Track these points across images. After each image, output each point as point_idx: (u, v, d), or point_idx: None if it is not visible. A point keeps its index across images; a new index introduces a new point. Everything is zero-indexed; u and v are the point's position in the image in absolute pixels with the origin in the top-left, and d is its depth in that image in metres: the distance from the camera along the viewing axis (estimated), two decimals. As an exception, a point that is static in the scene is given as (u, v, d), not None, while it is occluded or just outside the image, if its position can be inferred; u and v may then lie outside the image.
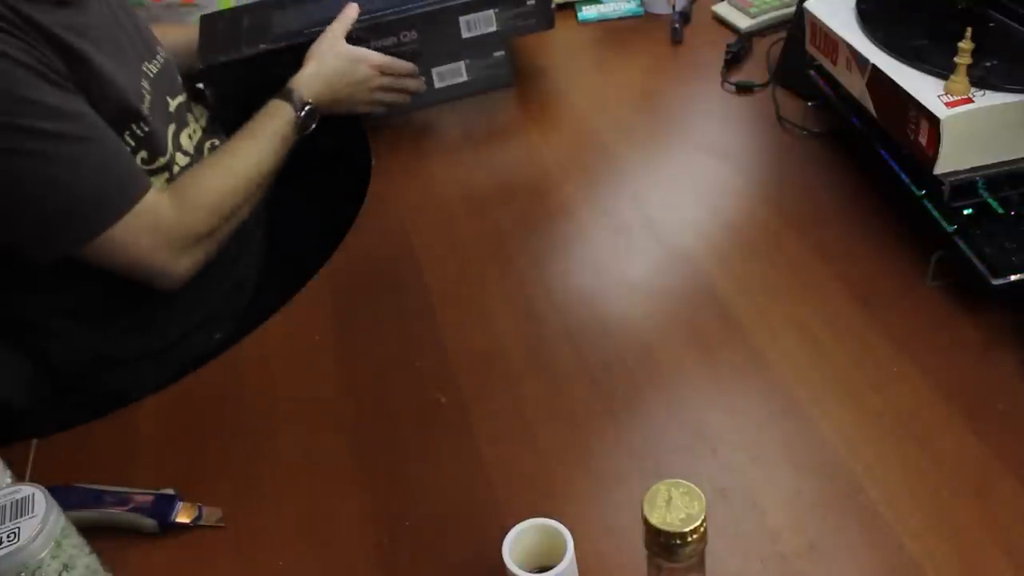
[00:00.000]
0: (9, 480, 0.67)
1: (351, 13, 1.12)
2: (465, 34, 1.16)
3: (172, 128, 1.01)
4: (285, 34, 1.14)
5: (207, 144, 1.09)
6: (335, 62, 1.09)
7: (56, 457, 0.81)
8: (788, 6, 1.28)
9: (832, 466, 0.70)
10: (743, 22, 1.29)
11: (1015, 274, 0.76)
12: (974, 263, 0.78)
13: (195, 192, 0.96)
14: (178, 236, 0.92)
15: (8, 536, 0.55)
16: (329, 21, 1.12)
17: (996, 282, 0.76)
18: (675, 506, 0.45)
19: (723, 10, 1.34)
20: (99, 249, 0.88)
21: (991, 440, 0.69)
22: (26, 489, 0.57)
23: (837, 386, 0.76)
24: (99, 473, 0.76)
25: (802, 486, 0.69)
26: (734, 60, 1.22)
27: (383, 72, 1.13)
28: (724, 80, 1.20)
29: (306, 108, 1.05)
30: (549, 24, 1.19)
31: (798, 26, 1.07)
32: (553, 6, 1.19)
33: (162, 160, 0.97)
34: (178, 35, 1.19)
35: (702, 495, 0.46)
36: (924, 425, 0.72)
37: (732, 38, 1.28)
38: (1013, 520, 0.64)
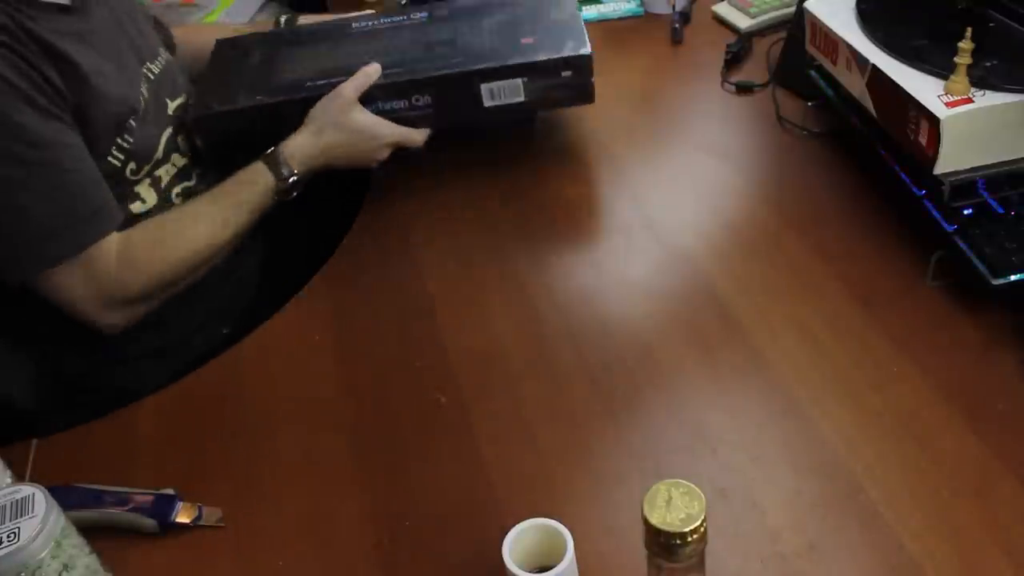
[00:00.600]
0: (9, 480, 0.67)
1: (371, 73, 0.98)
2: (487, 102, 1.01)
3: (168, 132, 1.00)
4: (288, 85, 1.02)
5: None
6: (336, 135, 0.97)
7: (56, 457, 0.81)
8: (788, 6, 1.28)
9: (832, 466, 0.70)
10: (743, 22, 1.29)
11: (1015, 274, 0.76)
12: (974, 263, 0.78)
13: (146, 254, 0.92)
14: (113, 293, 0.90)
15: (8, 536, 0.55)
16: (339, 72, 0.99)
17: (996, 282, 0.76)
18: (675, 506, 0.45)
19: (723, 10, 1.34)
20: (41, 282, 0.87)
21: (991, 440, 0.69)
22: (26, 489, 0.57)
23: (837, 386, 0.76)
24: (99, 473, 0.76)
25: (802, 486, 0.69)
26: (734, 60, 1.22)
27: (395, 145, 1.01)
28: (724, 80, 1.19)
29: (291, 179, 0.96)
30: (588, 99, 1.02)
31: (798, 26, 1.07)
32: (593, 79, 1.01)
33: (147, 167, 0.96)
34: (197, 38, 1.17)
35: (702, 495, 0.46)
36: (924, 425, 0.72)
37: (732, 38, 1.27)
38: (1013, 520, 0.64)
